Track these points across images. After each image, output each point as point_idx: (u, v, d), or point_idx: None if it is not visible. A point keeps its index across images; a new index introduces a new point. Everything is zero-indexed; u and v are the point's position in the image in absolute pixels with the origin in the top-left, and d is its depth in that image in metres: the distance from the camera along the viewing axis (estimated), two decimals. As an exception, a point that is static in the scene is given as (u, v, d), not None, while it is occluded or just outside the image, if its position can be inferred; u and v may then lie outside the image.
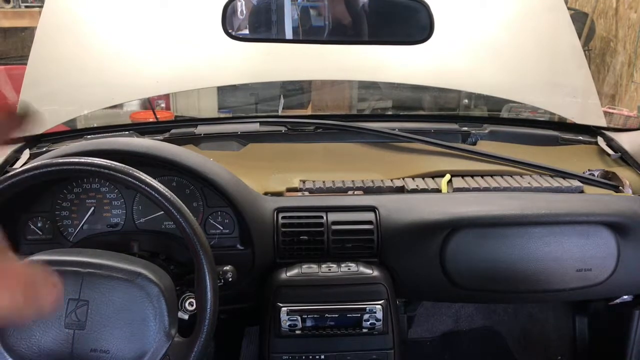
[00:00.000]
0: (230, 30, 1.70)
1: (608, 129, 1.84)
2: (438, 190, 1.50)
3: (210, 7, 1.71)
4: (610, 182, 1.57)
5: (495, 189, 1.51)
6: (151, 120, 2.86)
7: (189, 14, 1.86)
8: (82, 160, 1.08)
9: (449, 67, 1.94)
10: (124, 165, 1.07)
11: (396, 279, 1.38)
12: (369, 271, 1.34)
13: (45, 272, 0.52)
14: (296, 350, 1.31)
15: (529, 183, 1.53)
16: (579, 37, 3.89)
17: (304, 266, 1.34)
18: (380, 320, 1.30)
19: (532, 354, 2.01)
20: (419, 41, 1.73)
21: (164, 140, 1.67)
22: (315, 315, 1.29)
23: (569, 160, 1.67)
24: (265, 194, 1.47)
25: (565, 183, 1.54)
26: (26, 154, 1.59)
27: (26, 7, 4.28)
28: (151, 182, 1.07)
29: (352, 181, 1.52)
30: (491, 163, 1.65)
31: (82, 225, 1.37)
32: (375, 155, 1.71)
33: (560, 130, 1.86)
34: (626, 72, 4.60)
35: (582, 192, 1.53)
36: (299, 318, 1.29)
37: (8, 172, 1.44)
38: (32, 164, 1.09)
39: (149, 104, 2.97)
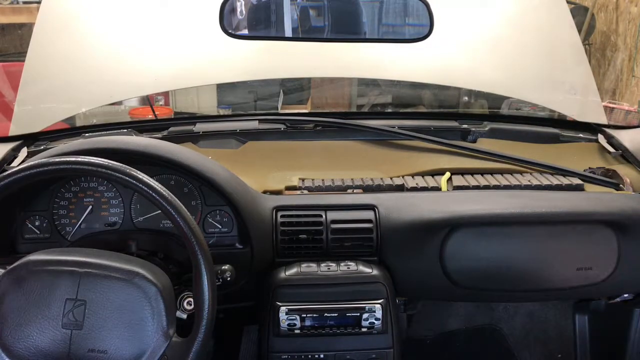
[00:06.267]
0: (228, 29, 1.69)
1: (609, 126, 1.83)
2: (438, 189, 1.50)
3: (208, 5, 1.70)
4: (611, 180, 1.57)
5: (496, 187, 1.50)
6: (150, 116, 2.86)
7: (188, 11, 1.85)
8: (80, 159, 1.07)
9: (449, 64, 1.93)
10: (121, 164, 1.07)
11: (396, 278, 1.38)
12: (368, 270, 1.33)
13: None
14: (295, 349, 1.31)
15: (529, 181, 1.53)
16: (579, 32, 3.87)
17: (303, 265, 1.34)
18: (379, 319, 1.30)
19: (532, 352, 2.01)
20: (419, 39, 1.72)
21: (162, 138, 1.66)
22: (314, 315, 1.29)
23: (569, 158, 1.67)
24: (264, 192, 1.46)
25: (565, 181, 1.54)
26: (24, 152, 1.58)
27: (24, 3, 4.26)
28: (148, 181, 1.06)
29: (352, 179, 1.51)
30: (491, 161, 1.64)
31: (80, 224, 1.36)
32: (374, 153, 1.70)
33: (561, 127, 1.85)
34: (627, 67, 4.59)
35: (582, 190, 1.52)
36: (298, 317, 1.28)
37: (5, 170, 1.44)
38: (30, 163, 1.08)
39: (147, 100, 2.96)
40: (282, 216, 1.38)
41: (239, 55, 1.89)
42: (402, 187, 1.50)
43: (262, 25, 1.98)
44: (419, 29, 1.73)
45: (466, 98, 4.01)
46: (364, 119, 1.86)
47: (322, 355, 1.31)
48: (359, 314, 1.29)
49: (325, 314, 1.29)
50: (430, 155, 1.68)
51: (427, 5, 1.66)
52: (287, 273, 1.33)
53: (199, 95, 4.27)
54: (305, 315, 1.29)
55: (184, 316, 1.12)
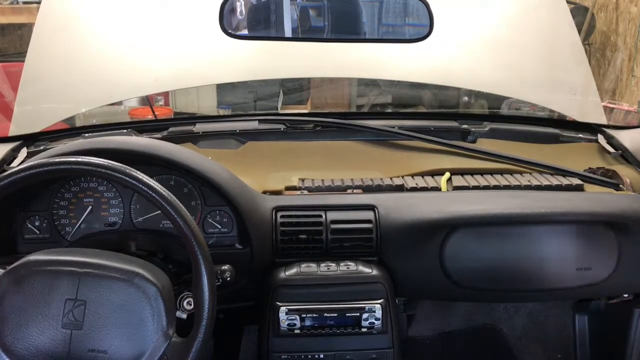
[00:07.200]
0: (228, 29, 1.69)
1: (608, 126, 1.83)
2: (437, 189, 1.50)
3: (208, 5, 1.70)
4: (611, 180, 1.56)
5: (495, 187, 1.50)
6: (150, 117, 2.86)
7: (188, 11, 1.85)
8: (80, 159, 1.07)
9: (449, 64, 1.93)
10: (121, 165, 1.07)
11: (395, 278, 1.38)
12: (368, 270, 1.33)
13: None
14: (295, 349, 1.31)
15: (529, 181, 1.53)
16: (579, 32, 3.87)
17: (303, 265, 1.34)
18: (379, 319, 1.30)
19: (532, 353, 2.01)
20: (419, 39, 1.72)
21: (162, 138, 1.66)
22: (314, 315, 1.29)
23: (569, 158, 1.67)
24: (264, 192, 1.46)
25: (565, 181, 1.53)
26: (24, 152, 1.58)
27: (24, 3, 4.26)
28: (148, 182, 1.06)
29: (352, 179, 1.51)
30: (491, 161, 1.64)
31: (80, 224, 1.36)
32: (374, 153, 1.70)
33: (561, 127, 1.85)
34: (627, 67, 4.59)
35: (582, 190, 1.52)
36: (298, 317, 1.29)
37: (5, 170, 1.44)
38: (29, 163, 1.08)
39: (147, 100, 2.96)
40: (282, 216, 1.38)
41: (239, 55, 1.89)
42: (402, 187, 1.50)
43: (262, 25, 1.98)
44: (419, 29, 1.73)
45: (466, 98, 4.01)
46: (364, 119, 1.86)
47: (322, 355, 1.31)
48: (358, 314, 1.29)
49: (325, 314, 1.29)
50: (430, 155, 1.68)
51: (427, 5, 1.66)
52: (287, 273, 1.33)
53: (199, 95, 4.28)
54: (305, 315, 1.29)
55: (184, 316, 1.12)
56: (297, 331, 1.29)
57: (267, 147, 1.72)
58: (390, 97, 4.35)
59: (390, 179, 1.53)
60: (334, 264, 1.34)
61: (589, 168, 1.62)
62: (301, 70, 2.35)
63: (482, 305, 2.05)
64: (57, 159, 1.07)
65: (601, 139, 1.78)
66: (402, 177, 1.55)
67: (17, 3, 4.28)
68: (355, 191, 1.48)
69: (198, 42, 1.86)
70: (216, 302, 1.07)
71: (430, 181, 1.53)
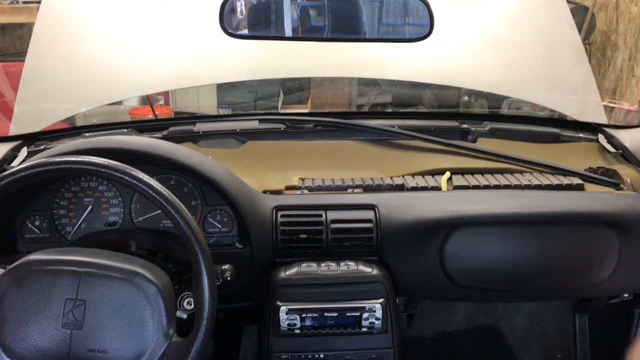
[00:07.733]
0: (228, 29, 1.69)
1: (609, 126, 1.83)
2: (438, 188, 1.50)
3: (208, 5, 1.70)
4: (611, 179, 1.56)
5: (496, 187, 1.50)
6: (150, 116, 2.86)
7: (188, 11, 1.85)
8: (80, 159, 1.07)
9: (449, 64, 1.93)
10: (121, 164, 1.07)
11: (396, 278, 1.38)
12: (368, 270, 1.33)
13: None
14: (295, 349, 1.31)
15: (529, 181, 1.53)
16: (579, 31, 3.88)
17: (303, 265, 1.34)
18: (379, 319, 1.30)
19: (532, 352, 2.01)
20: (419, 38, 1.72)
21: (162, 138, 1.66)
22: (314, 315, 1.29)
23: (569, 158, 1.66)
24: (264, 192, 1.46)
25: (565, 181, 1.53)
26: (24, 151, 1.58)
27: (24, 3, 4.26)
28: (149, 181, 1.06)
29: (352, 179, 1.51)
30: (491, 161, 1.64)
31: (80, 223, 1.36)
32: (374, 153, 1.70)
33: (561, 127, 1.85)
34: (627, 67, 4.59)
35: (582, 190, 1.52)
36: (298, 317, 1.28)
37: (5, 170, 1.44)
38: (30, 163, 1.08)
39: (147, 100, 2.96)
40: (282, 216, 1.38)
41: (239, 55, 1.89)
42: (402, 187, 1.50)
43: (262, 25, 1.98)
44: (419, 28, 1.73)
45: (466, 98, 4.02)
46: (364, 118, 1.86)
47: (322, 355, 1.31)
48: (359, 314, 1.29)
49: (325, 314, 1.29)
50: (431, 155, 1.68)
51: (427, 5, 1.66)
52: (287, 273, 1.32)
53: (199, 95, 4.28)
54: (305, 315, 1.29)
55: (184, 316, 1.12)
56: (297, 331, 1.29)
57: (267, 147, 1.72)
58: (391, 96, 4.35)
59: (391, 178, 1.53)
60: (334, 264, 1.34)
61: (590, 167, 1.62)
62: (301, 70, 2.36)
63: (482, 305, 2.05)
64: (58, 159, 1.07)
65: (601, 138, 1.78)
66: (403, 176, 1.55)
67: (17, 3, 4.28)
68: (355, 191, 1.48)
69: (198, 42, 1.86)
70: (216, 302, 1.07)
71: (430, 181, 1.53)
